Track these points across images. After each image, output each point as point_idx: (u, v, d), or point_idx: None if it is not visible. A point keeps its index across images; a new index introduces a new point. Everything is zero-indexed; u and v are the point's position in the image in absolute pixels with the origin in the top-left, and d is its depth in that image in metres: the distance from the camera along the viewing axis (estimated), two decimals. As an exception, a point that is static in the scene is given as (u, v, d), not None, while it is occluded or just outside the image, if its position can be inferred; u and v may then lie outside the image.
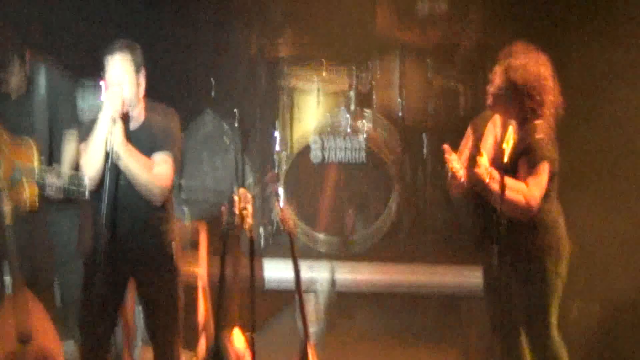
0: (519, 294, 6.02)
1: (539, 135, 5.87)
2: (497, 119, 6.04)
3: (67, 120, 7.48)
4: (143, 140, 6.19)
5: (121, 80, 6.10)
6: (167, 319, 6.41)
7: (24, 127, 7.41)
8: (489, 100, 5.94)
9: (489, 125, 6.05)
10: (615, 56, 8.70)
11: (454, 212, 8.81)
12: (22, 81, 7.37)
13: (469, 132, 6.17)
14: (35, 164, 7.31)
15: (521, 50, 5.90)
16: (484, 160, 5.73)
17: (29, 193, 7.37)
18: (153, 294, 6.38)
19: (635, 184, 8.28)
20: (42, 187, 7.29)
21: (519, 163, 5.84)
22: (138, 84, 6.18)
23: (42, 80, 7.45)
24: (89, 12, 9.55)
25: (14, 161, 7.36)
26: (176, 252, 6.43)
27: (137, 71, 6.16)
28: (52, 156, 7.47)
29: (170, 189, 6.34)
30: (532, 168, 5.82)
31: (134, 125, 6.23)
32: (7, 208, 6.86)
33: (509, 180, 5.70)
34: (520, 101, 5.86)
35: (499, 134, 5.97)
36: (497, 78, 5.90)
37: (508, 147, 5.72)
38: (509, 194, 5.69)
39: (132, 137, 6.18)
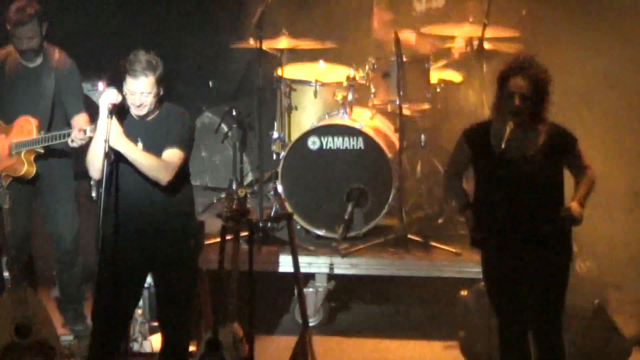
0: (539, 290, 6.05)
1: (568, 130, 6.03)
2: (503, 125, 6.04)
3: (73, 103, 7.52)
4: (156, 132, 6.24)
5: (142, 99, 6.15)
6: (182, 314, 6.42)
7: (31, 97, 7.45)
8: (517, 108, 5.91)
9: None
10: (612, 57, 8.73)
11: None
12: (38, 43, 7.43)
13: (462, 141, 6.17)
14: (35, 135, 7.35)
15: (530, 58, 5.97)
16: (575, 205, 5.93)
17: (26, 167, 7.41)
18: (171, 289, 6.38)
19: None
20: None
21: (566, 161, 6.01)
22: (157, 94, 6.21)
23: (52, 63, 7.51)
24: (86, 14, 9.58)
25: (11, 142, 7.42)
26: (195, 249, 6.44)
27: (158, 86, 6.18)
28: (50, 131, 7.50)
29: (180, 177, 6.30)
30: (581, 158, 6.03)
31: (148, 118, 6.27)
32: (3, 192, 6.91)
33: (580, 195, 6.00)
34: (543, 102, 5.92)
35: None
36: (518, 84, 5.89)
37: (506, 145, 5.86)
38: (592, 184, 6.04)
39: (146, 128, 6.23)
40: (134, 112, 6.21)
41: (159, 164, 6.18)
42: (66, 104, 7.53)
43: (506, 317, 6.11)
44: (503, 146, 5.91)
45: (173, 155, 6.22)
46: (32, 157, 7.42)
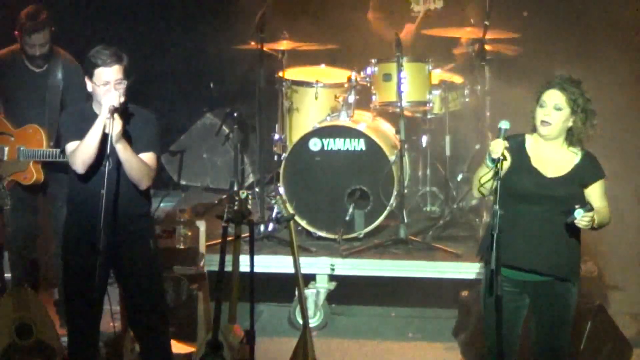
0: (554, 312, 5.98)
1: (599, 164, 5.96)
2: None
3: (77, 103, 7.53)
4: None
5: (117, 87, 6.17)
6: (151, 313, 6.38)
7: (39, 102, 7.47)
8: (546, 117, 5.85)
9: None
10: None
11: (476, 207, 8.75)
12: (49, 49, 7.44)
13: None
14: (44, 147, 7.38)
15: (573, 80, 5.90)
16: (589, 215, 5.76)
17: (35, 176, 7.44)
18: (133, 288, 6.38)
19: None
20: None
21: (593, 188, 5.91)
22: (126, 85, 6.25)
23: (59, 64, 7.53)
24: (88, 16, 9.58)
25: (19, 146, 7.43)
26: (155, 247, 6.43)
27: (128, 79, 6.23)
28: (59, 141, 7.52)
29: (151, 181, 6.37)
30: (600, 196, 5.93)
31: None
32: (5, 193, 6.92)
33: (597, 217, 5.83)
34: (578, 124, 5.87)
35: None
36: (552, 95, 5.84)
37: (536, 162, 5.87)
38: (602, 220, 5.89)
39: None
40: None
41: (146, 168, 6.22)
42: (72, 104, 7.56)
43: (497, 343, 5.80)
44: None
45: (151, 159, 6.27)
46: (39, 165, 7.45)
